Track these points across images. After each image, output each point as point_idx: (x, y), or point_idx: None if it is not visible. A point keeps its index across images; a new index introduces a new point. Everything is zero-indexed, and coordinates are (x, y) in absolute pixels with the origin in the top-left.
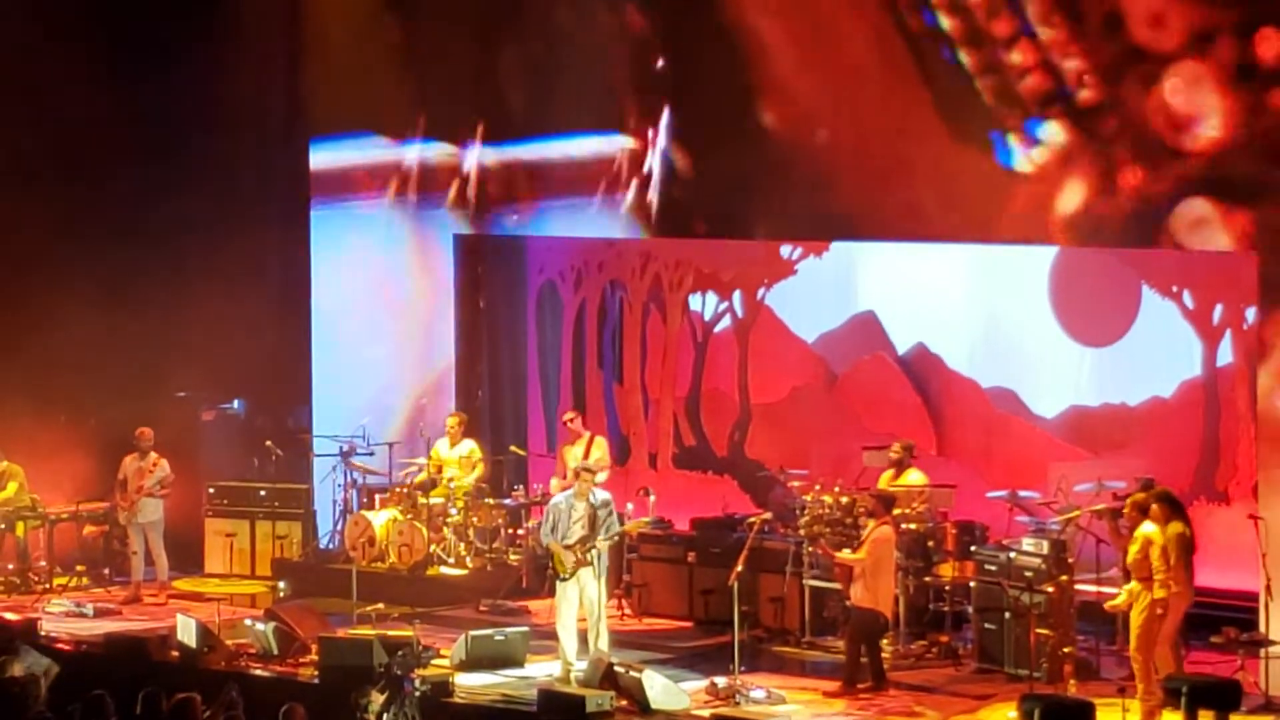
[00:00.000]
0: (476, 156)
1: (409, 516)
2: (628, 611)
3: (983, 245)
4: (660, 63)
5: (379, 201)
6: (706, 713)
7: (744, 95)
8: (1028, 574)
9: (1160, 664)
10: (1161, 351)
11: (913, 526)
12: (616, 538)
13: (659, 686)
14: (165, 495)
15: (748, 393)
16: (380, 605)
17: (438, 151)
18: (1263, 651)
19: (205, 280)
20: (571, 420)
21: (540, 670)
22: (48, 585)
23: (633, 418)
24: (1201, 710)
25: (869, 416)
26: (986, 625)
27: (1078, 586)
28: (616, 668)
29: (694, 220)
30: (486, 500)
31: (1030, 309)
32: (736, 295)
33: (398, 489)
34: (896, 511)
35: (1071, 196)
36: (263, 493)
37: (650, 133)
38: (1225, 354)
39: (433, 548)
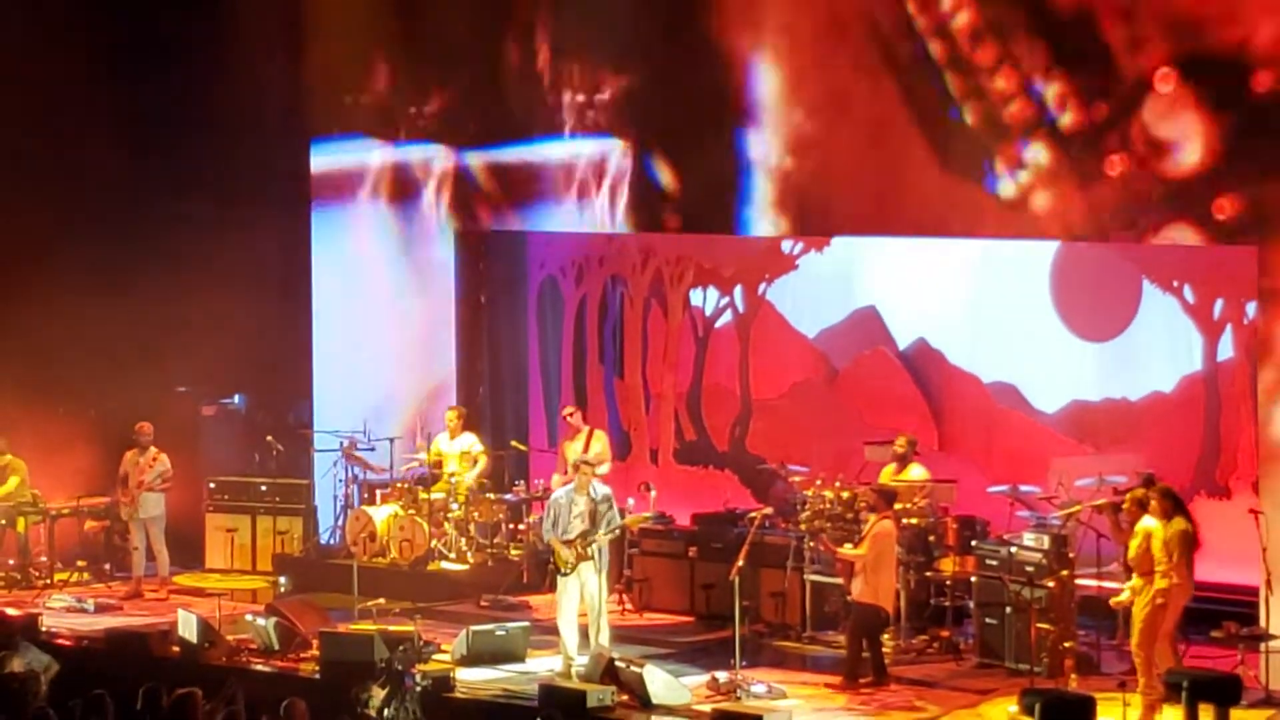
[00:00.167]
0: (473, 159)
1: (410, 512)
2: (629, 606)
3: (983, 240)
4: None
5: (378, 200)
6: (708, 708)
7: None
8: (1029, 569)
9: (1159, 659)
10: (1162, 346)
11: (914, 521)
12: (617, 532)
13: (660, 681)
14: (166, 489)
15: (749, 388)
16: (381, 600)
17: (435, 153)
18: (1263, 646)
19: (206, 275)
20: (571, 415)
21: (541, 665)
22: (49, 580)
23: (634, 413)
24: (1202, 705)
25: (870, 412)
26: (987, 620)
27: (1078, 581)
28: (617, 663)
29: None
30: (487, 495)
31: (1031, 304)
32: (738, 290)
33: (399, 484)
34: (897, 506)
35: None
36: (264, 488)
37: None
38: (1226, 349)
39: (434, 543)
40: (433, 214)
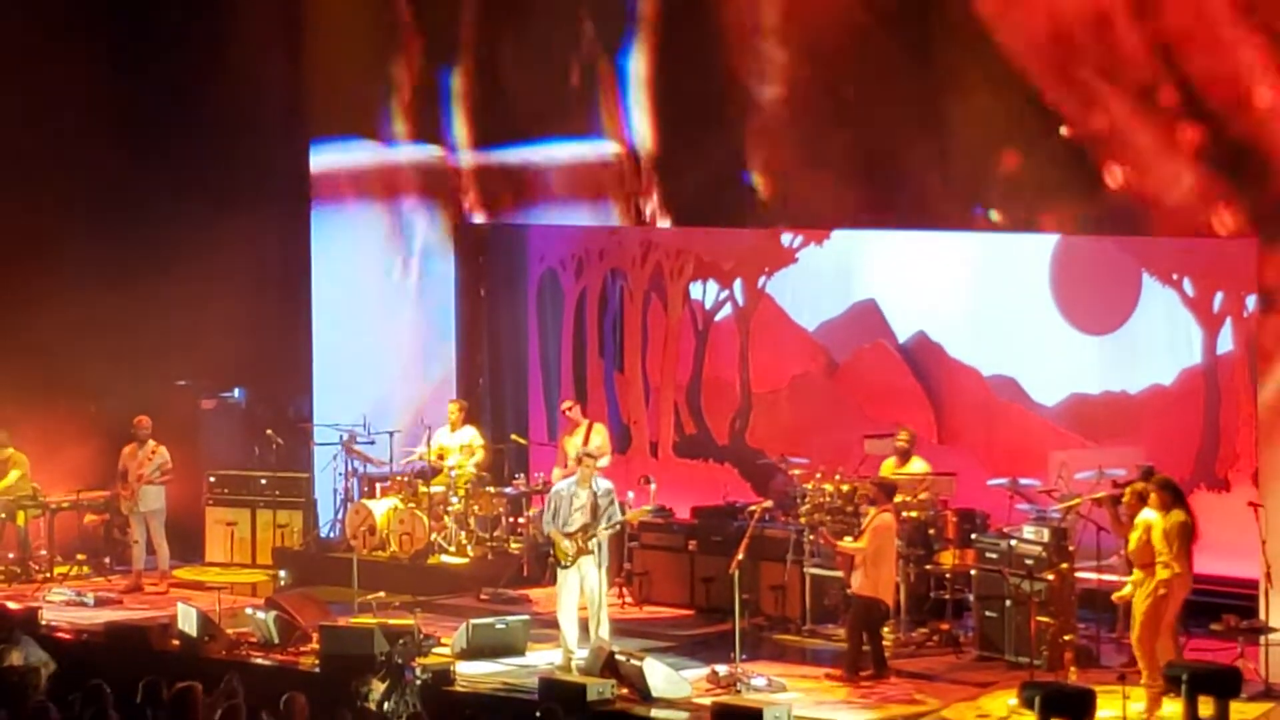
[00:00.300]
0: (473, 159)
1: (410, 505)
2: (629, 600)
3: (983, 233)
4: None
5: (376, 197)
6: (707, 701)
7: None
8: (1028, 562)
9: (1160, 652)
10: (1162, 339)
11: (914, 514)
12: (618, 527)
13: (660, 675)
14: (166, 482)
15: (749, 381)
16: (381, 594)
17: (434, 151)
18: (1263, 639)
19: (206, 270)
20: (570, 409)
21: (541, 658)
22: (48, 574)
23: (633, 406)
24: (1201, 697)
25: (870, 405)
26: (987, 613)
27: (1078, 574)
28: (617, 656)
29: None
30: (487, 489)
31: (1031, 297)
32: (737, 284)
33: (398, 478)
34: (897, 499)
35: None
36: (263, 481)
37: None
38: (1225, 341)
39: (434, 536)
40: (432, 210)
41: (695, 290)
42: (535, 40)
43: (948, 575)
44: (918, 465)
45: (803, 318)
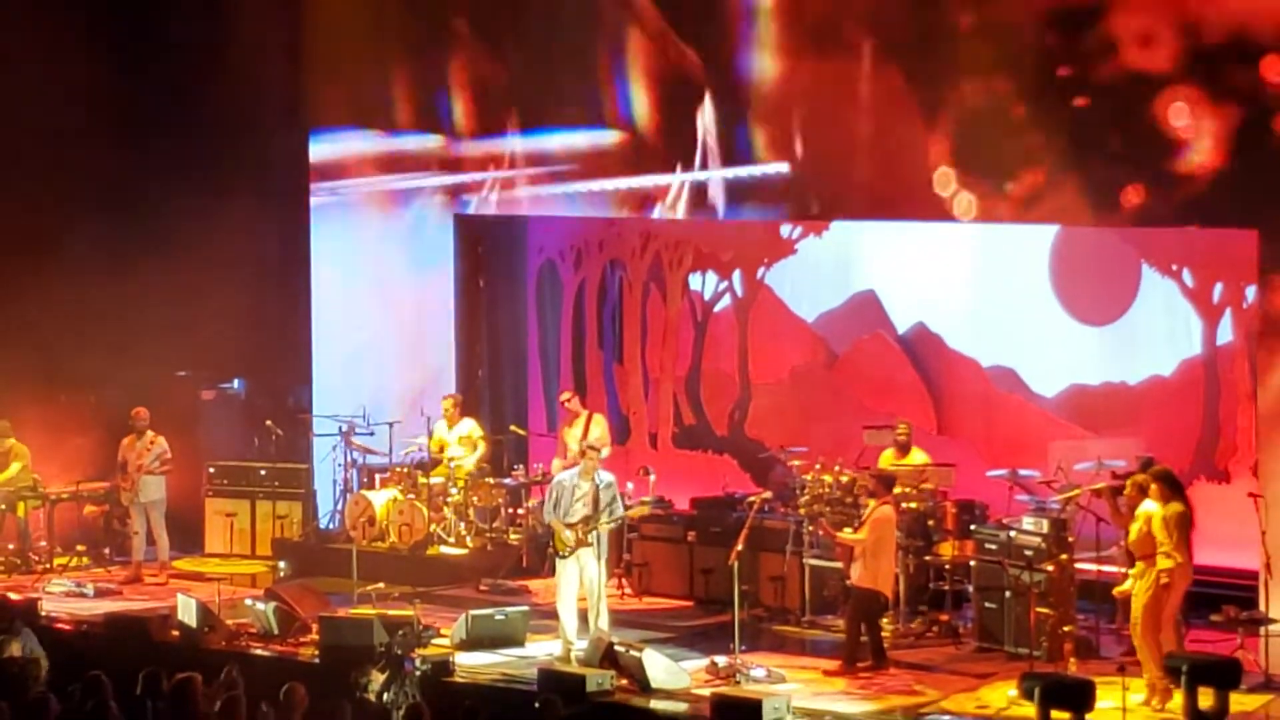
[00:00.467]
0: (473, 149)
1: (409, 496)
2: (628, 591)
3: (982, 224)
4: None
5: (375, 188)
6: (707, 692)
7: None
8: (1028, 553)
9: (1163, 643)
10: (1162, 330)
11: (913, 505)
12: (619, 521)
13: (659, 666)
14: (165, 472)
15: (748, 372)
16: (380, 585)
17: (433, 142)
18: (1263, 629)
19: (205, 261)
20: (568, 400)
21: (540, 649)
22: (48, 565)
23: (633, 397)
24: (1201, 688)
25: (869, 396)
26: (987, 604)
27: (1078, 565)
28: (617, 647)
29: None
30: (487, 480)
31: (1030, 288)
32: (736, 275)
33: (398, 469)
34: (897, 491)
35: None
36: (263, 472)
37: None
38: (1225, 332)
39: (433, 527)
40: (431, 201)
41: (694, 281)
42: (535, 26)
43: (947, 566)
44: (917, 456)
45: (802, 309)
